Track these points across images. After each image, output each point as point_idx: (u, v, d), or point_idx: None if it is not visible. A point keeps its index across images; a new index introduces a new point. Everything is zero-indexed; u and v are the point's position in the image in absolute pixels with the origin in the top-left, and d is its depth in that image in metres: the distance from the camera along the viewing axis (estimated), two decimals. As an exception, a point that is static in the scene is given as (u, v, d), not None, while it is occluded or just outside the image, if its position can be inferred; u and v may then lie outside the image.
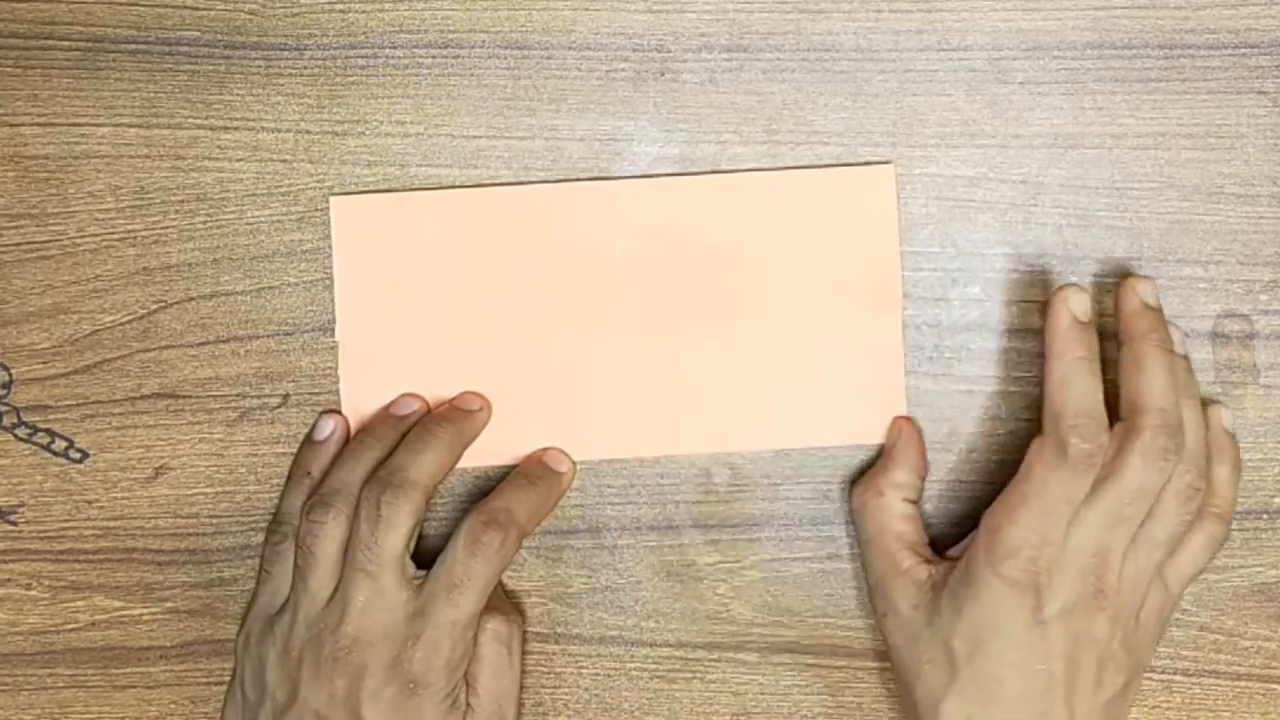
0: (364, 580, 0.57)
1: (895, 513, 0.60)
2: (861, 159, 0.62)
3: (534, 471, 0.61)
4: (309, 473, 0.61)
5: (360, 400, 0.62)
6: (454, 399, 0.61)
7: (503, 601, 0.61)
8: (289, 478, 0.61)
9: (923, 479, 0.61)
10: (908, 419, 0.62)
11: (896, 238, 0.61)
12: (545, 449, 0.62)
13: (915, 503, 0.61)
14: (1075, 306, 0.58)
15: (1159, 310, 0.59)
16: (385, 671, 0.57)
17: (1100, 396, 0.56)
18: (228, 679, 0.62)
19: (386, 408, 0.61)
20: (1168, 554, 0.58)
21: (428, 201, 0.62)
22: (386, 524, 0.57)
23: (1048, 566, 0.55)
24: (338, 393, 0.62)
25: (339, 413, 0.62)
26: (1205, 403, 0.60)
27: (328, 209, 0.62)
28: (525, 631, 0.62)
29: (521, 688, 0.61)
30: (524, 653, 0.62)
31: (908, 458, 0.61)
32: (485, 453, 0.62)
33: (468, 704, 0.59)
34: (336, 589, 0.58)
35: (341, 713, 0.57)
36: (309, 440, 0.61)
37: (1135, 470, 0.56)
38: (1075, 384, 0.56)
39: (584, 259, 0.61)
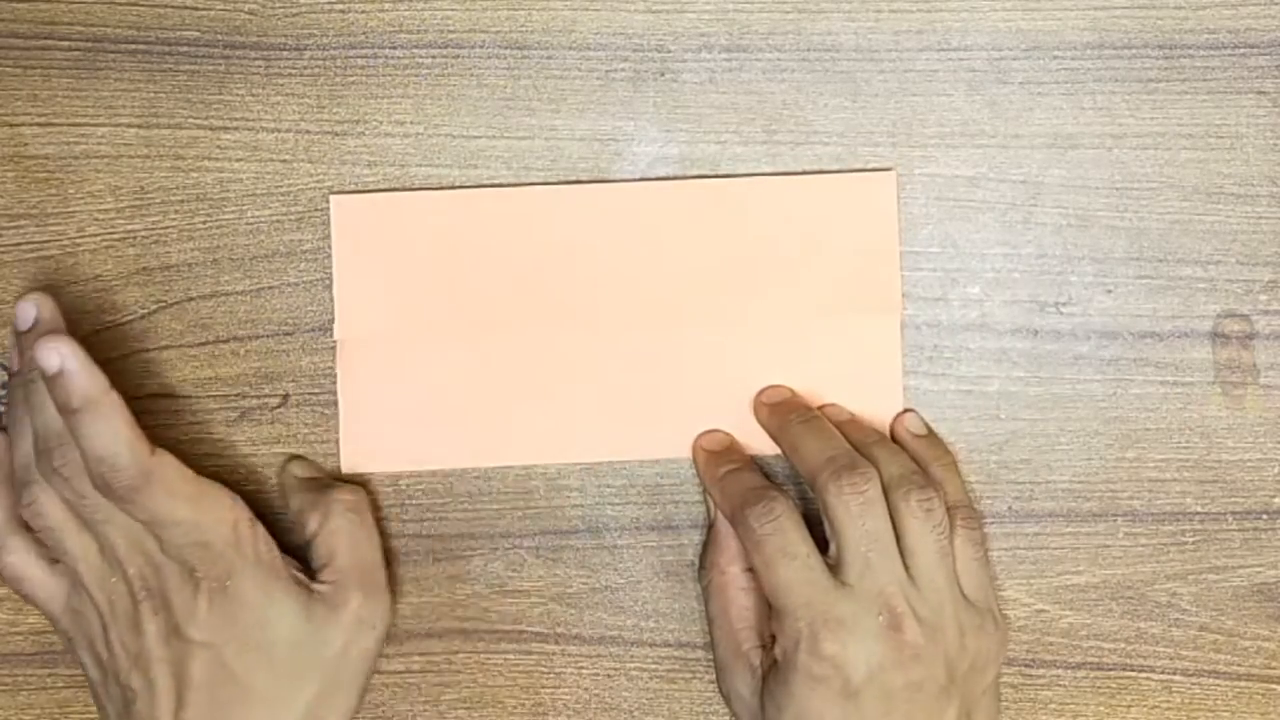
0: (103, 529, 0.56)
1: (738, 587, 0.60)
2: (861, 159, 0.62)
3: (57, 393, 0.55)
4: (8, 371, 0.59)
5: (359, 399, 0.61)
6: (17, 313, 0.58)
7: (338, 480, 0.61)
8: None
9: None
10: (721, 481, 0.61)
11: (896, 244, 0.61)
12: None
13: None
14: (708, 444, 0.61)
15: (782, 397, 0.61)
16: (183, 588, 0.56)
17: (760, 476, 0.60)
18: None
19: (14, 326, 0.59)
20: (950, 575, 0.57)
21: (428, 201, 0.62)
22: (74, 471, 0.55)
23: (837, 644, 0.55)
24: (337, 392, 0.62)
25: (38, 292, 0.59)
26: (899, 417, 0.62)
27: (328, 209, 0.62)
28: (373, 498, 0.62)
29: (386, 556, 0.61)
30: (379, 519, 0.62)
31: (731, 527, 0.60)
32: (483, 453, 0.62)
33: (326, 580, 0.58)
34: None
35: (169, 645, 0.56)
36: (14, 333, 0.59)
37: (843, 516, 0.57)
38: (731, 485, 0.59)
39: (583, 261, 0.61)
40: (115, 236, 0.62)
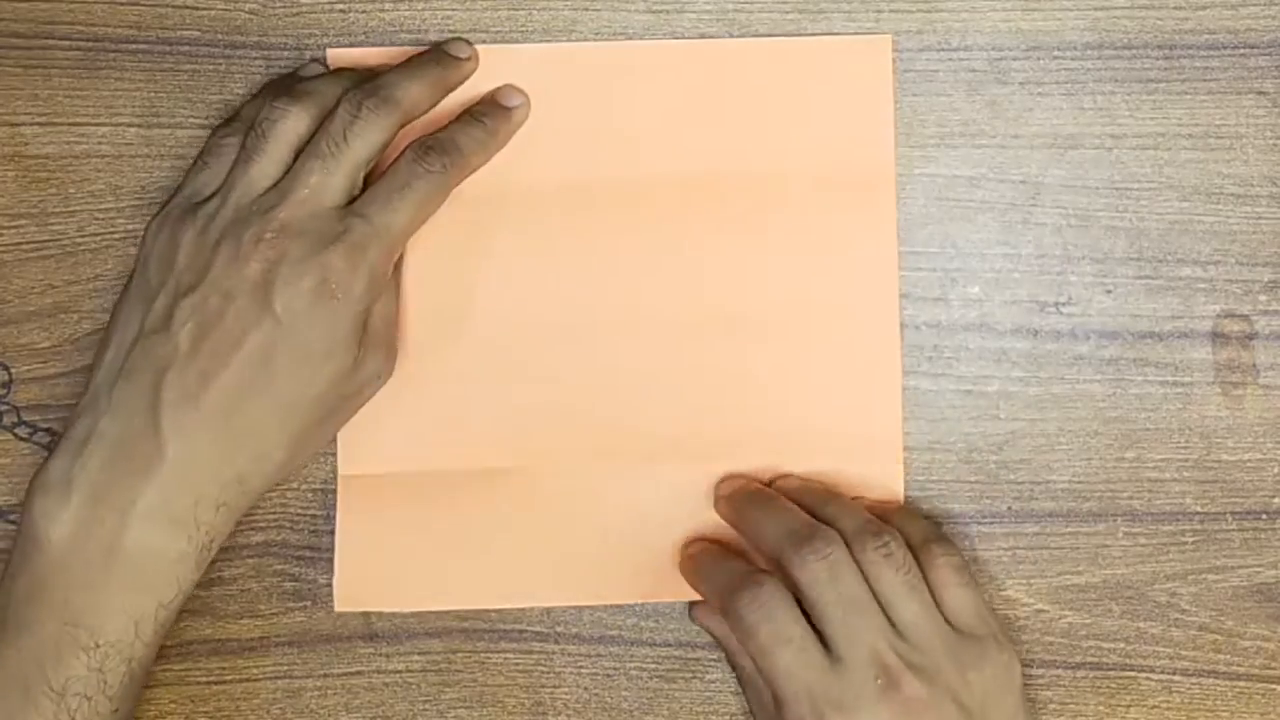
0: (317, 168, 0.56)
1: None
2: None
3: (482, 109, 0.60)
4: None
5: None
6: (444, 46, 0.60)
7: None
8: (262, 89, 0.61)
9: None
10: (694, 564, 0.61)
11: (891, 113, 0.61)
12: (499, 87, 0.61)
13: None
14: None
15: (735, 487, 0.61)
16: (306, 260, 0.55)
17: (744, 562, 0.58)
18: (227, 680, 0.62)
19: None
20: (931, 613, 0.56)
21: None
22: (362, 126, 0.56)
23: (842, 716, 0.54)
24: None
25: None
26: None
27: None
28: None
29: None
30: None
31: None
32: (484, 455, 0.62)
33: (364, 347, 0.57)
34: (278, 181, 0.56)
35: (252, 297, 0.55)
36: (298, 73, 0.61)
37: (813, 585, 0.56)
38: (715, 571, 0.59)
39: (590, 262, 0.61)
40: (116, 236, 0.62)
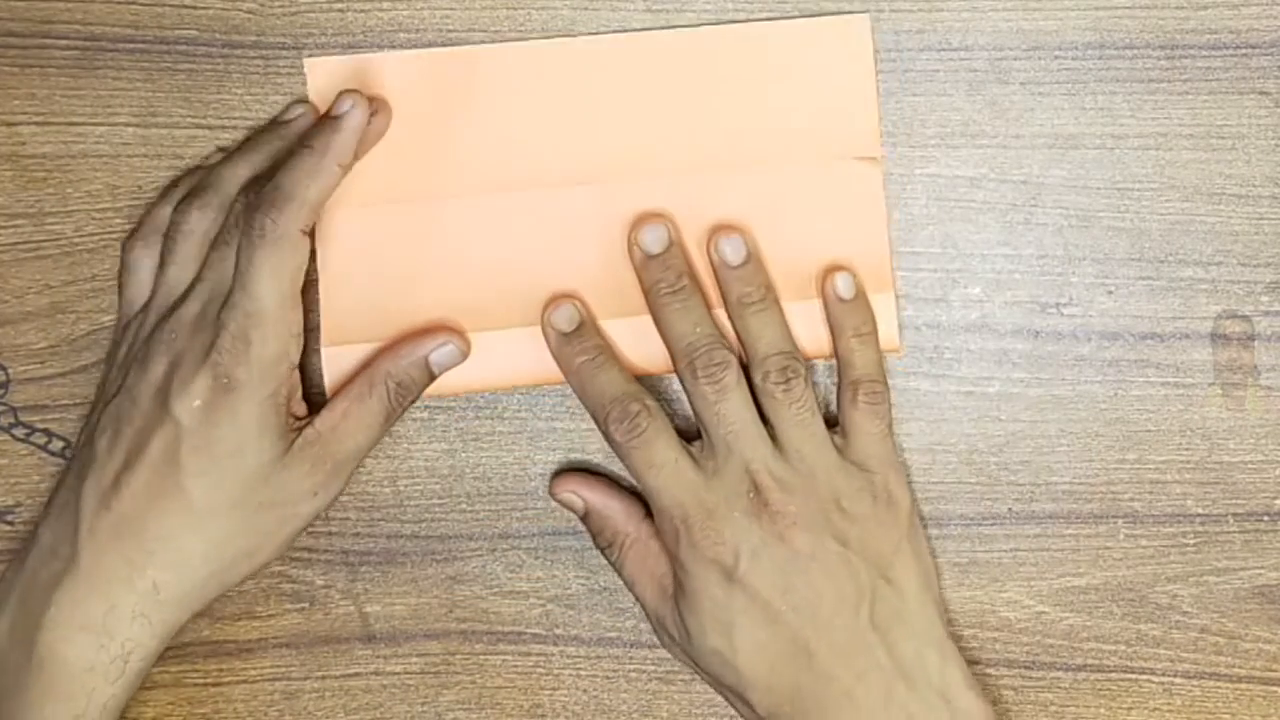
0: (216, 258, 0.57)
1: (645, 538, 0.59)
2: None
3: (310, 132, 0.58)
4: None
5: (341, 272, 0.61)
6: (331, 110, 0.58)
7: (413, 380, 0.59)
8: (164, 190, 0.61)
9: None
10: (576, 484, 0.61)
11: (874, 90, 0.61)
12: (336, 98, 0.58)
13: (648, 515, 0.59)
14: (558, 321, 0.59)
15: (660, 244, 0.59)
16: (198, 361, 0.55)
17: (618, 372, 0.58)
18: (224, 681, 0.62)
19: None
20: (819, 443, 0.57)
21: (404, 61, 0.60)
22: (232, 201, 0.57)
23: (711, 530, 0.56)
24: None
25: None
26: (830, 274, 0.60)
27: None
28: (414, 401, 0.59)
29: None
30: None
31: (608, 501, 0.60)
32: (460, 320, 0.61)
33: (310, 425, 0.57)
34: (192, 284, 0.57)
35: (154, 401, 0.55)
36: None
37: (700, 404, 0.57)
38: (590, 385, 0.58)
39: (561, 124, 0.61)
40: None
